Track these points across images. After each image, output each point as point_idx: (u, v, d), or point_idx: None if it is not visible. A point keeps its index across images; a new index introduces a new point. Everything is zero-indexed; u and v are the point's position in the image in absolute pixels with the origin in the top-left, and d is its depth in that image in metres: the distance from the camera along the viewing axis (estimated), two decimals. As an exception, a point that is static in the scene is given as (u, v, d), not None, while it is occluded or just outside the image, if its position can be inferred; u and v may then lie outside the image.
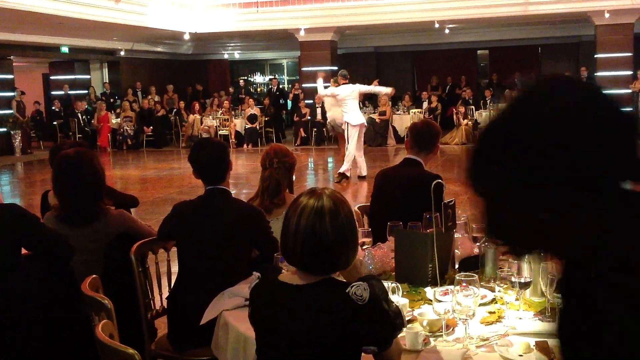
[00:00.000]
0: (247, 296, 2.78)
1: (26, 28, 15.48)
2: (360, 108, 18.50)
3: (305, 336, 1.98)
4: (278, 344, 2.05)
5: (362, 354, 2.01)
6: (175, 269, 3.50)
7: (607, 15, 16.61)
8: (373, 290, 1.94)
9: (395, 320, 1.98)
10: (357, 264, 2.47)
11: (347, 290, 1.93)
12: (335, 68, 19.66)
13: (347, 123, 11.55)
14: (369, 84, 22.33)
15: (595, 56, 17.90)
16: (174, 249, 3.54)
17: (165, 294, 3.54)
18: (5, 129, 17.09)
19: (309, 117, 18.28)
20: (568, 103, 0.97)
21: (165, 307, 3.53)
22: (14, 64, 18.58)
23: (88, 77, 21.76)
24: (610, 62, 17.47)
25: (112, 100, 20.66)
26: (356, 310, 1.91)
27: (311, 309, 1.98)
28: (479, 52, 24.06)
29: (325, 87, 11.95)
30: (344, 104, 11.50)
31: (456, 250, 3.08)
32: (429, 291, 2.73)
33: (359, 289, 1.92)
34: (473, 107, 18.36)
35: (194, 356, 3.22)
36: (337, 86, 11.80)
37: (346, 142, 11.76)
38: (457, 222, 3.13)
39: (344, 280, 2.09)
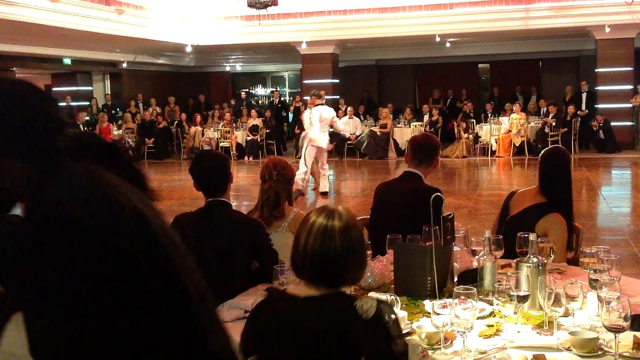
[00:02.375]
0: (247, 308, 2.80)
1: (29, 40, 15.55)
2: (361, 121, 18.68)
3: (310, 346, 1.99)
4: (281, 354, 2.06)
5: None
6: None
7: (607, 29, 16.67)
8: (380, 307, 1.95)
9: (397, 340, 1.97)
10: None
11: (355, 304, 1.96)
12: (337, 81, 19.77)
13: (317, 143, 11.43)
14: (369, 96, 22.55)
15: (596, 70, 17.95)
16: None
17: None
18: (7, 140, 17.10)
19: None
20: None
21: (165, 318, 3.53)
22: (16, 75, 18.64)
23: (90, 88, 21.84)
24: (610, 77, 17.52)
25: (114, 111, 20.72)
26: (359, 325, 1.93)
27: (316, 320, 2.00)
28: (480, 65, 24.12)
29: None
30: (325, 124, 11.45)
31: (455, 264, 3.08)
32: (428, 304, 2.74)
33: (367, 304, 1.95)
34: (474, 120, 18.39)
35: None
36: (312, 107, 11.58)
37: (304, 158, 11.46)
38: (456, 235, 3.14)
39: (353, 294, 2.11)
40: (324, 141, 11.43)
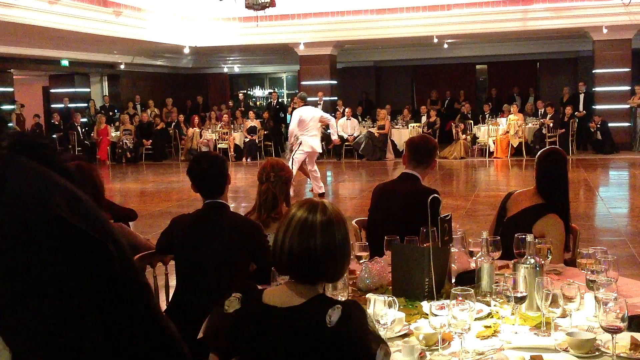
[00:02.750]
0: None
1: (27, 41, 15.54)
2: (359, 122, 18.68)
3: (287, 356, 1.94)
4: None
5: None
6: (173, 282, 3.51)
7: (605, 30, 16.71)
8: (345, 313, 1.87)
9: (366, 350, 1.87)
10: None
11: (328, 312, 1.88)
12: (335, 82, 19.78)
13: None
14: (367, 98, 22.53)
15: (594, 71, 17.98)
16: (172, 263, 3.55)
17: (163, 307, 3.55)
18: (4, 142, 17.09)
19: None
20: None
21: (163, 320, 3.53)
22: (14, 76, 18.63)
23: (88, 90, 21.82)
24: (608, 78, 17.55)
25: (111, 113, 20.72)
26: (327, 333, 1.86)
27: (294, 334, 1.93)
28: (477, 66, 24.15)
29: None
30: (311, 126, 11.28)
31: (452, 265, 3.09)
32: (425, 305, 2.73)
33: (334, 312, 1.87)
34: (472, 121, 18.41)
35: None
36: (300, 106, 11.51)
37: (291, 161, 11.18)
38: (453, 236, 3.14)
39: (333, 298, 2.04)
40: (313, 144, 11.25)
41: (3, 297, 0.98)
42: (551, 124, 16.75)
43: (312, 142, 11.23)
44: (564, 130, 16.73)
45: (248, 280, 2.50)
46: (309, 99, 18.34)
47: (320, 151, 11.82)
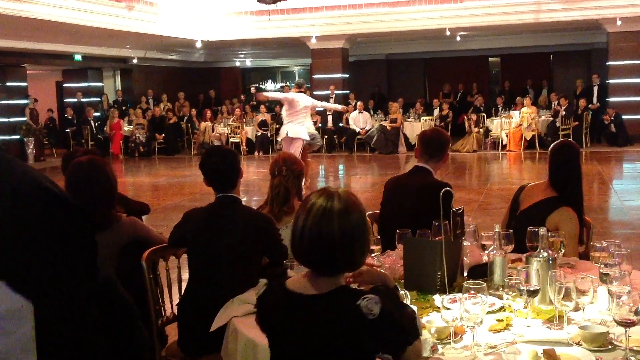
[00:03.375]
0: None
1: (40, 36, 15.62)
2: (371, 115, 18.65)
3: (318, 348, 1.97)
4: (291, 354, 2.05)
5: None
6: (185, 275, 3.52)
7: (619, 22, 16.57)
8: (385, 303, 1.91)
9: (409, 330, 1.96)
10: (375, 271, 2.46)
11: (358, 303, 1.90)
12: (347, 76, 19.75)
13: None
14: (379, 91, 22.48)
15: (608, 63, 17.85)
16: (185, 256, 3.57)
17: (176, 300, 3.57)
18: (18, 137, 17.23)
19: (319, 125, 18.31)
20: None
21: (176, 313, 3.56)
22: (27, 71, 18.73)
23: (101, 84, 21.92)
24: (622, 70, 17.42)
25: (124, 107, 20.80)
26: (367, 324, 1.89)
27: (323, 321, 1.96)
28: (490, 59, 24.03)
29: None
30: (300, 114, 11.04)
31: (465, 258, 3.08)
32: (437, 299, 2.73)
33: (370, 303, 1.89)
34: (484, 114, 18.33)
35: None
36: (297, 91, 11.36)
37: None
38: (465, 229, 3.14)
39: (357, 289, 2.07)
40: (298, 131, 10.97)
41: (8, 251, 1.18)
42: (563, 112, 16.64)
43: (297, 129, 10.98)
44: (577, 122, 16.62)
45: (277, 267, 2.52)
46: (320, 92, 18.42)
47: (294, 135, 11.09)
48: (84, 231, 1.29)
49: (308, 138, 11.28)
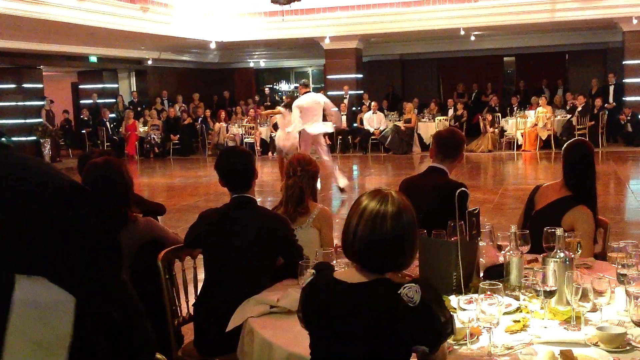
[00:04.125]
0: (273, 303, 2.81)
1: (56, 38, 15.74)
2: (385, 116, 18.62)
3: (357, 334, 2.01)
4: (331, 339, 2.09)
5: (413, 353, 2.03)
6: (201, 276, 3.53)
7: (635, 21, 16.43)
8: (425, 293, 1.96)
9: (445, 327, 2.00)
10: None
11: (399, 291, 1.96)
12: (360, 76, 19.73)
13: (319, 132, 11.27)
14: (393, 91, 22.44)
15: (623, 62, 17.71)
16: (200, 257, 3.58)
17: (192, 300, 3.58)
18: (35, 138, 17.37)
19: (334, 125, 18.29)
20: None
21: (192, 313, 3.57)
22: (43, 73, 18.88)
23: (116, 85, 22.04)
24: (638, 69, 17.27)
25: (139, 108, 20.91)
26: (407, 311, 1.94)
27: (364, 308, 2.02)
28: (505, 59, 23.91)
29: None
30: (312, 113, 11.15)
31: (481, 259, 3.07)
32: (454, 299, 2.72)
33: (411, 291, 1.95)
34: (499, 114, 18.25)
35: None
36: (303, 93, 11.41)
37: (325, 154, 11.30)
38: (481, 230, 3.12)
39: (398, 282, 2.10)
40: (317, 129, 11.16)
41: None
42: (580, 107, 16.52)
43: (308, 128, 11.16)
44: (593, 122, 16.51)
45: (325, 262, 2.56)
46: (334, 93, 18.42)
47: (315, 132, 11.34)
48: (107, 224, 1.36)
49: (331, 130, 11.55)
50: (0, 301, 1.27)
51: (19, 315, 1.28)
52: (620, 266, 2.83)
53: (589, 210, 3.70)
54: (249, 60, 25.26)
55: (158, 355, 2.16)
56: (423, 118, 18.44)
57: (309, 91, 11.53)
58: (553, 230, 2.94)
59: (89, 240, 1.35)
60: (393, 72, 23.56)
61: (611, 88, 18.12)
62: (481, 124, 17.67)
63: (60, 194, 1.32)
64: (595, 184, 3.86)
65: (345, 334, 2.04)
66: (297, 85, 23.78)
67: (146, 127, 19.03)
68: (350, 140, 18.40)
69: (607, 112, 17.07)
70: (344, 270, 2.20)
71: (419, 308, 1.94)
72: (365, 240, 2.04)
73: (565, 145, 4.01)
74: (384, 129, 17.74)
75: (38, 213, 1.31)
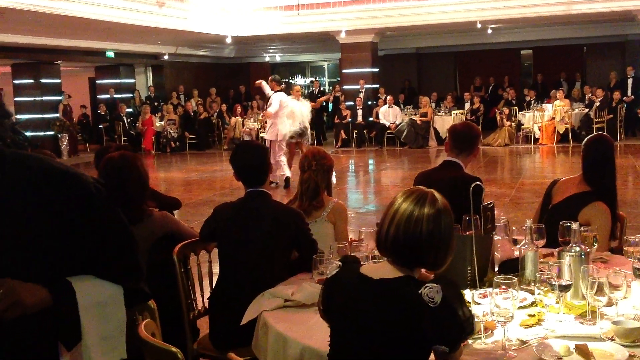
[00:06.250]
0: (287, 297, 2.82)
1: (73, 33, 15.82)
2: (402, 110, 18.56)
3: (378, 329, 2.02)
4: (352, 333, 2.09)
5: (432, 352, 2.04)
6: (216, 270, 3.55)
7: (654, 13, 16.26)
8: (446, 292, 1.96)
9: (465, 326, 1.99)
10: None
11: (420, 291, 1.95)
12: (376, 70, 19.67)
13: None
14: (409, 85, 22.35)
15: (642, 55, 17.54)
16: (215, 251, 3.60)
17: (207, 294, 3.60)
18: (52, 132, 17.50)
19: (349, 119, 18.30)
20: None
21: (207, 307, 3.59)
22: (61, 68, 19.00)
23: (133, 80, 22.14)
24: (657, 61, 17.10)
25: (156, 103, 20.99)
26: (427, 311, 1.94)
27: (385, 305, 2.02)
28: (522, 52, 23.76)
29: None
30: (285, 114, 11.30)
31: (496, 253, 3.06)
32: (468, 294, 2.71)
33: (432, 291, 1.95)
34: (516, 107, 18.14)
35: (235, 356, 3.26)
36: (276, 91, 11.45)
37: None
38: (496, 224, 3.11)
39: (421, 280, 2.10)
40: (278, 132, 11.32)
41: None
42: (598, 102, 16.38)
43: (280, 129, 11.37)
44: (611, 115, 16.36)
45: (352, 255, 2.57)
46: (350, 87, 18.39)
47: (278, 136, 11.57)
48: (113, 205, 1.61)
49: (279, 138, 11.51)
50: (71, 307, 1.43)
51: (86, 317, 1.43)
52: (636, 260, 2.81)
53: (606, 207, 3.66)
54: (264, 55, 25.27)
55: (173, 349, 2.18)
56: (439, 112, 18.36)
57: (281, 90, 11.57)
58: (569, 224, 2.93)
59: (126, 232, 1.55)
60: (409, 65, 23.48)
61: (630, 81, 17.94)
62: (498, 118, 17.56)
63: (98, 195, 1.49)
64: (615, 179, 3.82)
65: (367, 330, 2.04)
66: (313, 79, 23.88)
67: (163, 122, 19.11)
68: (366, 134, 18.37)
69: (625, 105, 16.91)
70: (371, 265, 2.20)
71: (440, 308, 1.93)
72: (399, 240, 2.05)
73: (585, 140, 3.98)
74: (400, 123, 17.69)
75: (82, 215, 1.46)
